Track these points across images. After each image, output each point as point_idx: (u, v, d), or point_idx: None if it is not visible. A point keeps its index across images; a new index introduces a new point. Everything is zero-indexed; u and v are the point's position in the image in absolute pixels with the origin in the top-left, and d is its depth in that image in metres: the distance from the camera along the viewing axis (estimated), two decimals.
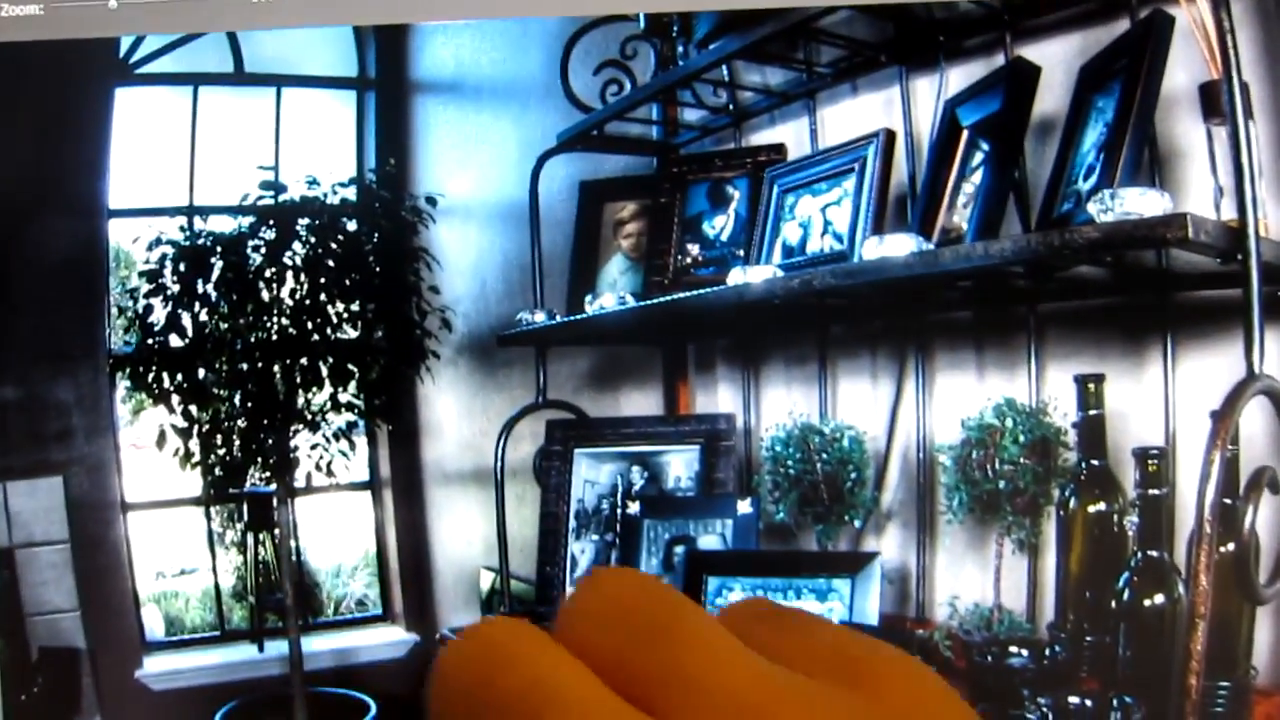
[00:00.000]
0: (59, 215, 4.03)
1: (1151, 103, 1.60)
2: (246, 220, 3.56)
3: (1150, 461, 1.56)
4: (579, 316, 2.58)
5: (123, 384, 3.98)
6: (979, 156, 1.89)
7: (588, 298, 2.55)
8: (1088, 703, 1.45)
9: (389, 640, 4.79)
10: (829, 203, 2.19)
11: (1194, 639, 1.30)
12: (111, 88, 4.10)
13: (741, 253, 2.43)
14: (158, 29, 1.83)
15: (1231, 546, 1.43)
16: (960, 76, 2.08)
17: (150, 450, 3.77)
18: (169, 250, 3.54)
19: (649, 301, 2.44)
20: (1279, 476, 1.47)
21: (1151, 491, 1.55)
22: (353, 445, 3.91)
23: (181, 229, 3.64)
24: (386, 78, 4.62)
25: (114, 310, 4.12)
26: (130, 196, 4.17)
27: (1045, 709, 1.40)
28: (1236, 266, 1.43)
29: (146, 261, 3.57)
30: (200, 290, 3.51)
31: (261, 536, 4.39)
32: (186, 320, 3.53)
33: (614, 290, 2.62)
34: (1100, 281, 1.82)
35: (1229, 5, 1.48)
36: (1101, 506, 1.72)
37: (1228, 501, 1.43)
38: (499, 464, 2.74)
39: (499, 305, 3.91)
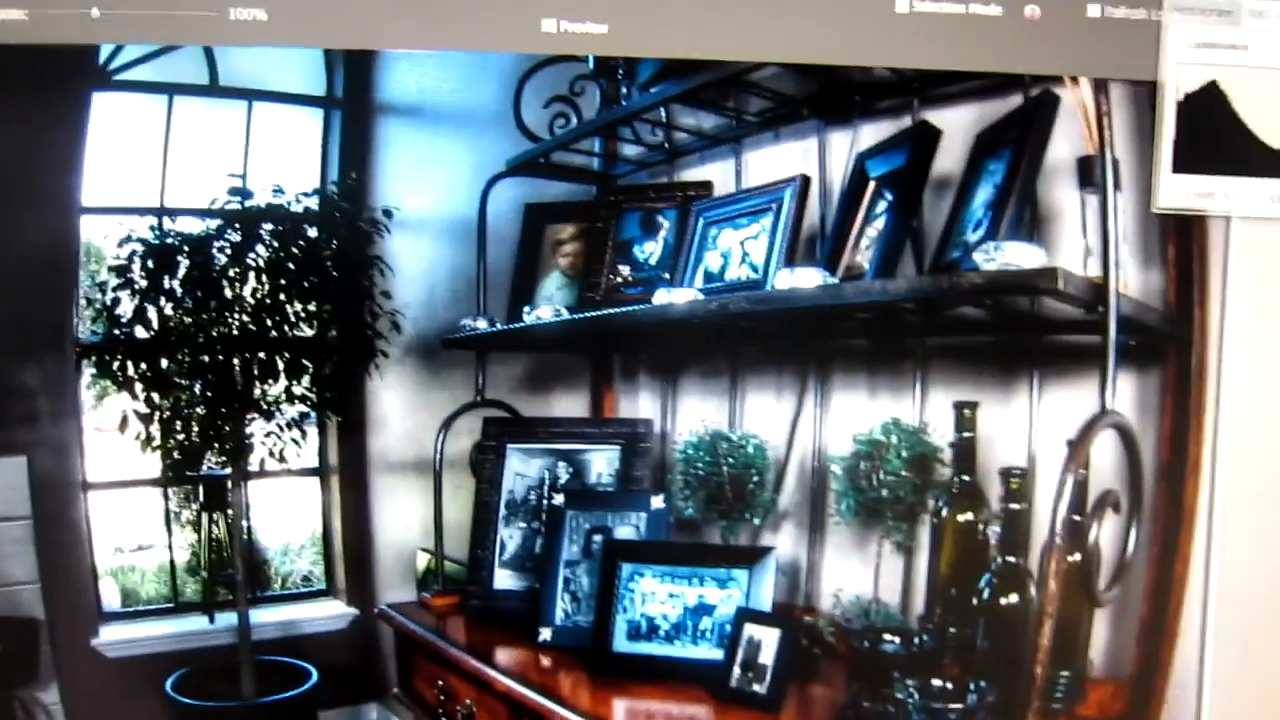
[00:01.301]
0: (32, 209, 3.96)
1: (1035, 169, 1.69)
2: (213, 223, 3.53)
3: (1013, 480, 1.64)
4: (517, 325, 2.64)
5: (88, 371, 3.93)
6: (883, 205, 1.96)
7: (526, 309, 2.61)
8: (949, 685, 1.51)
9: (331, 614, 4.74)
10: (748, 236, 2.25)
11: (1042, 634, 1.37)
12: (89, 92, 4.05)
13: (667, 276, 2.48)
14: (137, 39, 1.82)
15: (1078, 556, 1.52)
16: (871, 133, 2.16)
17: (112, 434, 3.73)
18: (138, 247, 3.50)
19: (581, 315, 2.50)
20: (1121, 499, 1.56)
21: (1012, 506, 1.64)
22: (304, 434, 3.89)
23: (151, 228, 3.59)
24: (352, 98, 4.58)
25: (82, 302, 4.06)
26: (103, 195, 4.11)
27: (913, 690, 1.47)
28: (1097, 316, 1.52)
29: (116, 257, 3.52)
30: (166, 286, 3.47)
31: (215, 516, 4.33)
32: (152, 314, 3.49)
33: (550, 303, 2.66)
34: (980, 321, 1.92)
35: (1107, 90, 1.57)
36: (969, 516, 1.81)
37: (1076, 518, 1.53)
38: (438, 456, 2.77)
39: (445, 311, 3.91)
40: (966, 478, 1.82)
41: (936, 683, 1.53)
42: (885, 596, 2.03)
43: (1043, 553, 1.46)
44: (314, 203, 3.68)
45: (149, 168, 4.20)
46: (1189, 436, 1.67)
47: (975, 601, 1.63)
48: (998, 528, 1.68)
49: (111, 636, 4.23)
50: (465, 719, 2.23)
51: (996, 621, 1.60)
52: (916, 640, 1.73)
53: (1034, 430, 1.87)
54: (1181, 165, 1.67)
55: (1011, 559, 1.63)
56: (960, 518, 1.81)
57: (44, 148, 3.98)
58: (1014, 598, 1.60)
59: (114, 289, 3.50)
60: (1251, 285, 1.66)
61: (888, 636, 1.75)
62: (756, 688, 1.88)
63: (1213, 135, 1.67)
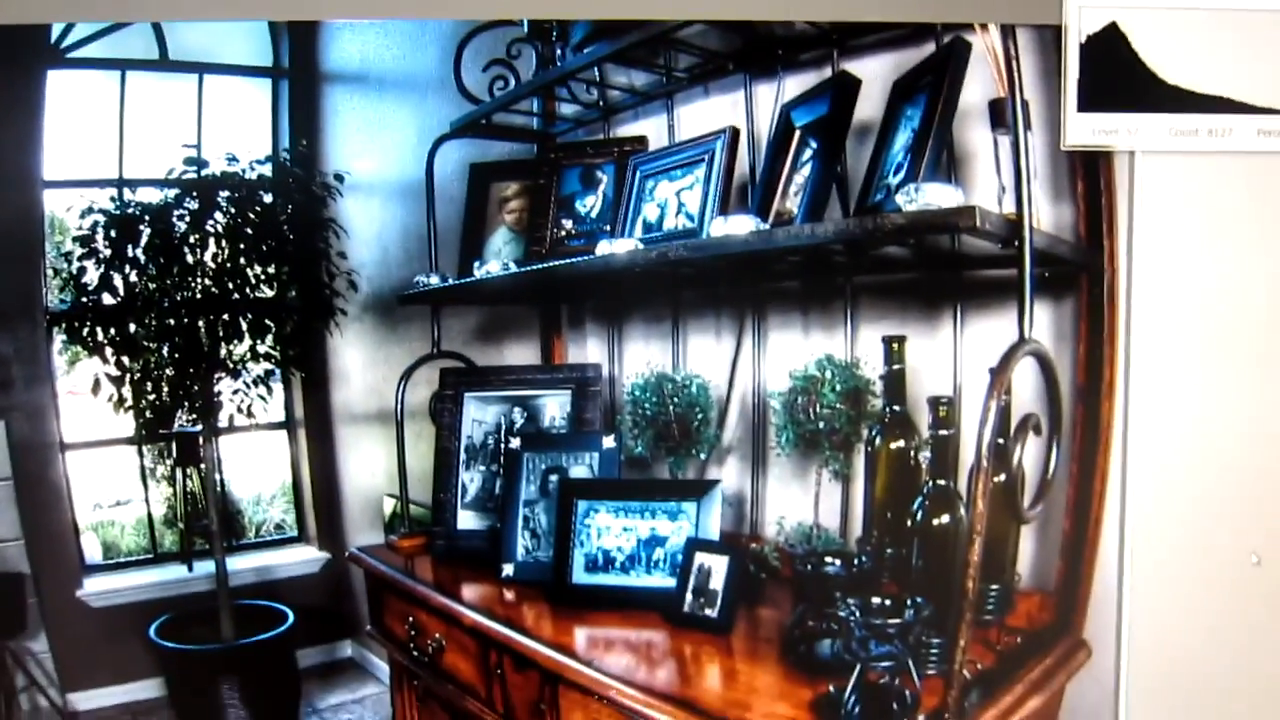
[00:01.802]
0: None
1: (951, 113, 1.65)
2: (172, 192, 3.44)
3: (941, 408, 1.62)
4: (468, 280, 2.56)
5: (59, 338, 3.84)
6: (808, 152, 1.92)
7: (476, 264, 2.54)
8: (887, 602, 1.50)
9: (304, 558, 4.71)
10: (683, 187, 2.20)
11: (972, 551, 1.36)
12: (44, 70, 3.90)
13: (608, 228, 2.43)
14: (87, 17, 1.74)
15: (1003, 477, 1.50)
16: (795, 84, 2.11)
17: (86, 396, 3.65)
18: (100, 218, 3.40)
19: (529, 268, 2.44)
20: (1042, 422, 1.55)
21: (941, 432, 1.62)
22: (270, 390, 3.83)
23: (112, 199, 3.49)
24: (299, 68, 4.47)
25: (49, 272, 3.95)
26: (63, 169, 3.98)
27: (854, 607, 1.45)
28: (1013, 251, 1.48)
29: (80, 228, 3.43)
30: (130, 254, 3.39)
31: (189, 470, 4.27)
32: (118, 281, 3.41)
33: (499, 258, 2.61)
34: (904, 259, 1.88)
35: (1015, 35, 1.53)
36: (901, 444, 1.79)
37: (1001, 441, 1.51)
38: (399, 406, 2.72)
39: (399, 269, 3.85)
40: (897, 407, 1.79)
41: (876, 601, 1.51)
42: (825, 522, 2.02)
43: (970, 475, 1.45)
44: (267, 170, 3.59)
45: (106, 141, 4.07)
46: (1103, 360, 1.66)
47: (909, 523, 1.62)
48: (928, 453, 1.67)
49: (95, 587, 4.17)
50: (435, 652, 2.20)
51: (930, 541, 1.59)
52: (856, 562, 1.72)
53: (959, 360, 1.85)
54: (1086, 104, 1.65)
55: (942, 482, 1.61)
56: (893, 445, 1.79)
57: (3, 126, 3.84)
58: (945, 518, 1.58)
59: (79, 258, 3.40)
60: (1155, 215, 1.66)
61: (829, 559, 1.73)
62: (708, 612, 1.87)
63: (1115, 74, 1.65)
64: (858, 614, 1.46)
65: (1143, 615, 1.58)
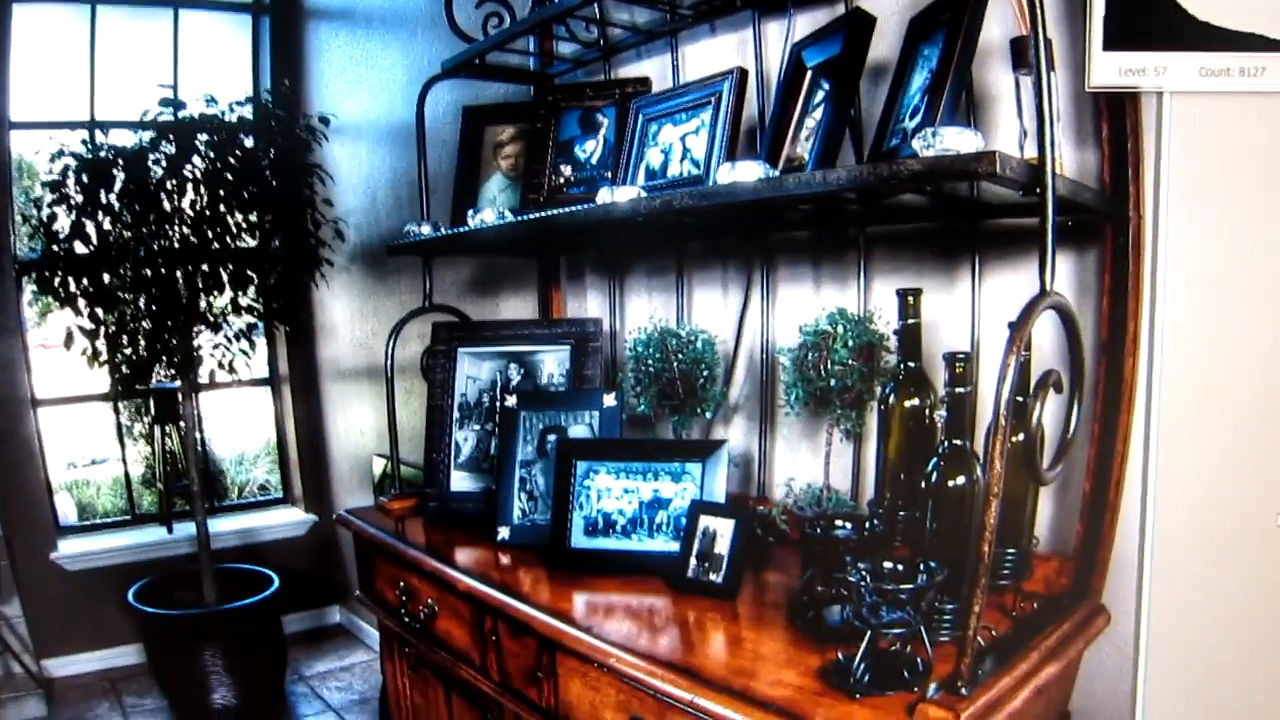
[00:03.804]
0: None
1: (970, 53, 1.64)
2: (147, 135, 3.43)
3: (957, 364, 1.63)
4: (462, 229, 2.56)
5: (29, 288, 3.84)
6: (820, 95, 1.91)
7: (470, 212, 2.53)
8: (900, 566, 1.51)
9: (290, 520, 4.76)
10: (688, 131, 2.19)
11: (988, 514, 1.36)
12: (7, 4, 3.88)
13: (609, 174, 2.43)
14: None
15: (1021, 437, 1.51)
16: (806, 22, 2.10)
17: (58, 350, 3.66)
18: (71, 161, 3.40)
19: (525, 216, 2.42)
20: (1062, 379, 1.56)
21: (958, 389, 1.62)
22: (253, 345, 3.85)
23: (84, 142, 3.49)
24: (280, 3, 4.45)
25: (18, 218, 3.95)
26: (31, 110, 3.97)
27: (864, 572, 1.47)
28: (1035, 198, 1.47)
29: (49, 172, 3.43)
30: (103, 200, 3.38)
31: (168, 428, 4.30)
32: (91, 228, 3.41)
33: (494, 206, 2.61)
34: (921, 207, 1.88)
35: None
36: (915, 402, 1.80)
37: (1020, 399, 1.52)
38: (389, 362, 2.73)
39: (388, 218, 3.85)
40: (912, 364, 1.80)
41: (888, 565, 1.52)
42: (836, 483, 2.03)
43: (988, 434, 1.45)
44: (248, 112, 3.58)
45: (77, 81, 4.07)
46: (1127, 314, 1.66)
47: (923, 484, 1.63)
48: (943, 412, 1.67)
49: (70, 550, 4.23)
50: (428, 618, 2.23)
51: (944, 503, 1.60)
52: (867, 524, 1.74)
53: (977, 314, 1.86)
54: (1112, 42, 1.63)
55: (958, 441, 1.61)
56: (907, 403, 1.80)
57: None
58: (961, 479, 1.59)
59: (49, 204, 3.41)
60: (1184, 159, 1.64)
61: (839, 522, 1.75)
62: (713, 577, 1.89)
63: (1142, 10, 1.63)
64: (868, 579, 1.47)
65: (1164, 580, 1.59)
